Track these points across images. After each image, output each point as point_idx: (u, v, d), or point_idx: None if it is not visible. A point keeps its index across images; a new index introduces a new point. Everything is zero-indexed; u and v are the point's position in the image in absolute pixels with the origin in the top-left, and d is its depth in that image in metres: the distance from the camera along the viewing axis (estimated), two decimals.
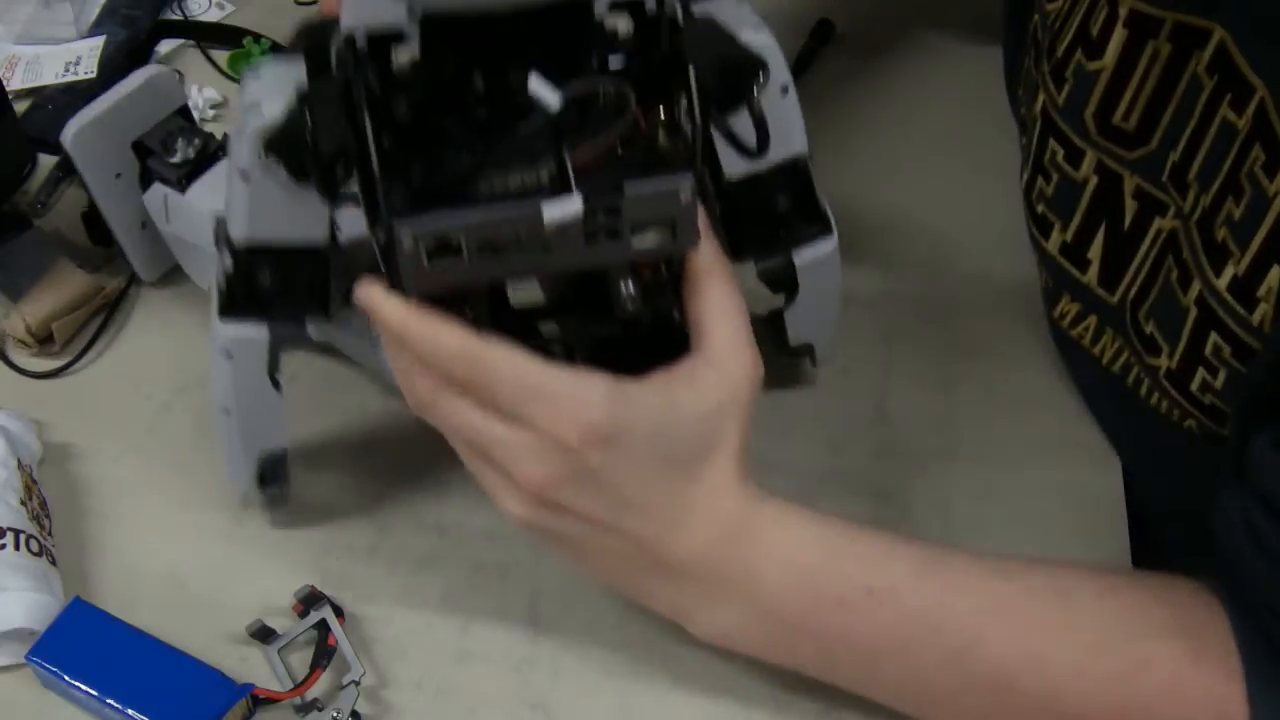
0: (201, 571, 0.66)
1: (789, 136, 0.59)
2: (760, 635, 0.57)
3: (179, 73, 0.89)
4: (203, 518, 0.67)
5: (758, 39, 0.55)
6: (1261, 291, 0.53)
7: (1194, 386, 0.60)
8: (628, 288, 0.50)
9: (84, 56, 0.90)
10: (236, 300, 0.58)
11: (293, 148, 0.51)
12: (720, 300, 0.53)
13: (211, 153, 0.72)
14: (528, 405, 0.50)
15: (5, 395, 0.73)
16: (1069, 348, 0.71)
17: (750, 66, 0.54)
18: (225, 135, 0.71)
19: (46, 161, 0.84)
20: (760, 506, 0.56)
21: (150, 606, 0.64)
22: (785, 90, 0.57)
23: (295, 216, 0.55)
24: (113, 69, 0.90)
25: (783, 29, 0.56)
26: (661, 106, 0.51)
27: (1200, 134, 0.56)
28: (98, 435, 0.71)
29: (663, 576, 0.56)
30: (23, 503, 0.64)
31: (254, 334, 0.58)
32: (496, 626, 0.64)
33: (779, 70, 0.56)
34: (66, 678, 0.59)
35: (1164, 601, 0.55)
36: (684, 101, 0.51)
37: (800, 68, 0.90)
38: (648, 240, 0.49)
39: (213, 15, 0.96)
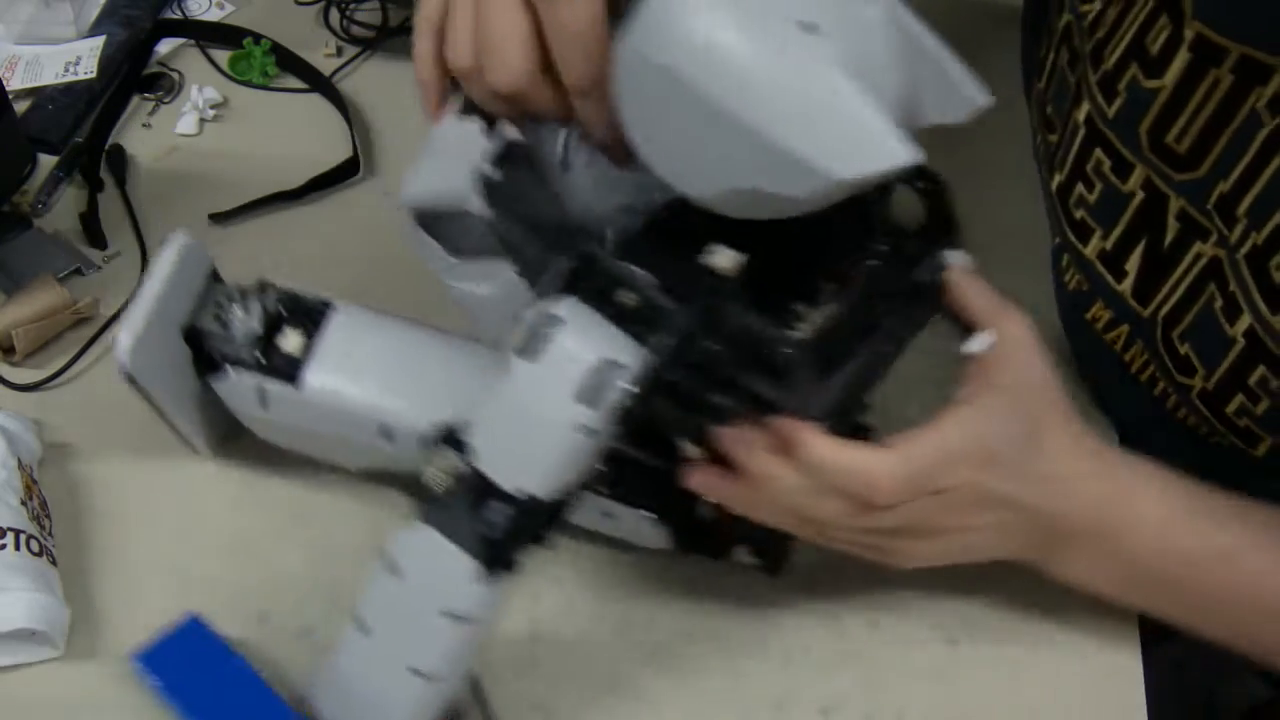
0: (202, 571, 0.66)
1: None
2: (1111, 580, 0.61)
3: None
4: (203, 518, 0.67)
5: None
6: None
7: (1230, 409, 0.60)
8: None
9: (84, 56, 0.90)
10: (504, 557, 0.53)
11: (649, 424, 0.52)
12: (983, 303, 0.57)
13: (274, 314, 0.63)
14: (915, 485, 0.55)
15: (5, 395, 0.73)
16: (1099, 352, 0.70)
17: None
18: (265, 287, 0.64)
19: (46, 161, 0.84)
20: (1117, 470, 0.59)
21: (150, 607, 0.64)
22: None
23: (590, 460, 0.53)
24: (113, 69, 0.90)
25: None
26: None
27: (1256, 170, 0.56)
28: (98, 435, 0.71)
29: (1038, 545, 0.59)
30: (23, 503, 0.64)
31: (496, 595, 0.54)
32: (496, 627, 0.64)
33: None
34: (164, 690, 0.59)
35: None
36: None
37: None
38: None
39: (213, 15, 0.96)
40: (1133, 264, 0.65)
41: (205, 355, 0.64)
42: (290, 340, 0.63)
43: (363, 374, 0.62)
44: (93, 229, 0.81)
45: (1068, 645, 0.64)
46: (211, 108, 0.89)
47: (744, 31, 0.44)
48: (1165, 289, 0.63)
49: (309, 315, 0.64)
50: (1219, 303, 0.59)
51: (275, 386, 0.63)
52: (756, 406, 0.52)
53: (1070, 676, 0.63)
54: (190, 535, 0.67)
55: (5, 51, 0.91)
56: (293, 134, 0.88)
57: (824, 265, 0.53)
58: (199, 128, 0.88)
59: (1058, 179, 0.68)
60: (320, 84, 0.91)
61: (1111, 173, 0.64)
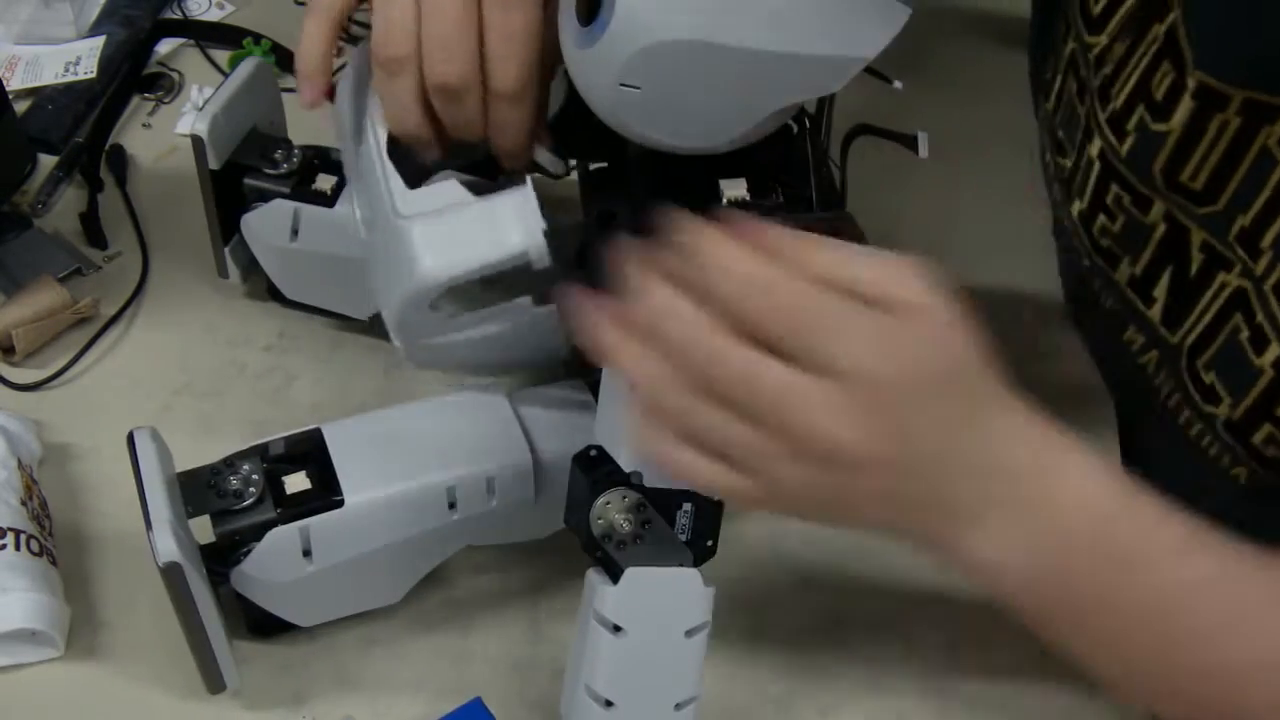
0: None
1: None
2: (1026, 573, 0.50)
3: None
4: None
5: None
6: None
7: (1258, 439, 0.60)
8: None
9: (84, 56, 0.90)
10: (708, 545, 0.54)
11: None
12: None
13: (273, 468, 0.60)
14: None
15: (5, 395, 0.73)
16: (1133, 379, 0.69)
17: None
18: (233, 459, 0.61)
19: (46, 161, 0.84)
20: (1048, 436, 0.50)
21: (150, 607, 0.64)
22: None
23: None
24: (113, 69, 0.90)
25: None
26: None
27: (1276, 205, 0.56)
28: (98, 435, 0.71)
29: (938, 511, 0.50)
30: (23, 503, 0.64)
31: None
32: (496, 626, 0.64)
33: None
34: None
35: None
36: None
37: None
38: None
39: (213, 15, 0.96)
40: (1161, 290, 0.64)
41: (221, 546, 0.59)
42: (296, 481, 0.59)
43: (392, 465, 0.60)
44: (93, 229, 0.80)
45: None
46: None
47: None
48: (1193, 316, 0.63)
49: (304, 454, 0.61)
50: (1245, 333, 0.59)
51: (317, 521, 0.58)
52: None
53: (1071, 684, 0.63)
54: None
55: (5, 51, 0.91)
56: (292, 134, 0.87)
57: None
58: None
59: (1078, 206, 0.67)
60: None
61: (1132, 206, 0.64)
